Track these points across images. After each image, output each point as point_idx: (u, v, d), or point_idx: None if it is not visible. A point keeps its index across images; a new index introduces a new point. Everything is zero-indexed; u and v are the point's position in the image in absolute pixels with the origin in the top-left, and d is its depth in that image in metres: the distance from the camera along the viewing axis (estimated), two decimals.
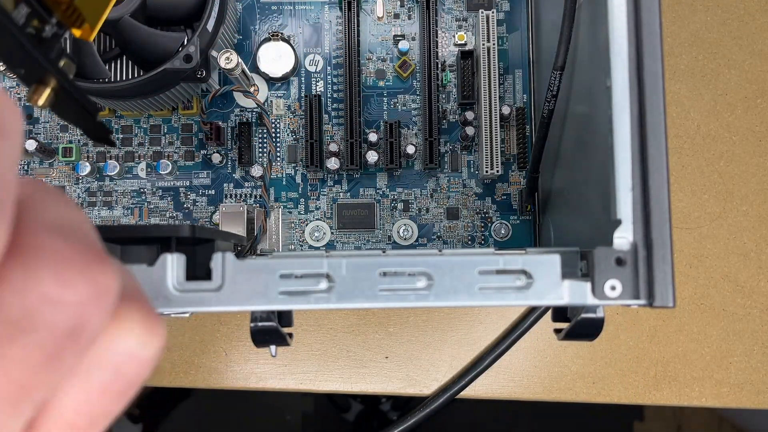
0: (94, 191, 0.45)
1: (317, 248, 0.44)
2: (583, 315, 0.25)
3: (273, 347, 0.47)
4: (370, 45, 0.45)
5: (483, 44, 0.42)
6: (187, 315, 0.45)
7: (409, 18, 0.46)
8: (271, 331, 0.26)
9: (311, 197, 0.45)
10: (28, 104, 0.46)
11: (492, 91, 0.42)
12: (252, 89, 0.44)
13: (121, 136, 0.45)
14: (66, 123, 0.45)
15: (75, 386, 0.16)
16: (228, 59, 0.39)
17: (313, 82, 0.45)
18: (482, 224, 0.44)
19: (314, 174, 0.45)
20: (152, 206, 0.45)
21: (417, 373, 0.48)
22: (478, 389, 0.49)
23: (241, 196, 0.45)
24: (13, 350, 0.14)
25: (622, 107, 0.24)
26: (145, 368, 0.17)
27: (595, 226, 0.28)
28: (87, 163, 0.43)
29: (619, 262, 0.23)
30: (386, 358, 0.48)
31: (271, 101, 0.45)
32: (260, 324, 0.26)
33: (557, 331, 0.29)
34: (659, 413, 1.04)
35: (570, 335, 0.27)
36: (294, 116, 0.45)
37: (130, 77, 0.40)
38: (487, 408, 0.98)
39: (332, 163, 0.43)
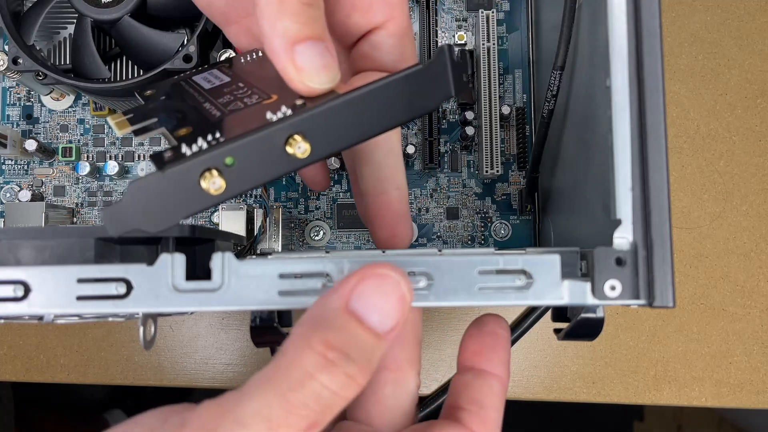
0: (94, 191, 0.45)
1: (317, 248, 0.44)
2: (583, 315, 0.25)
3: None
4: None
5: (483, 44, 0.42)
6: (187, 314, 0.45)
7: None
8: (271, 330, 0.26)
9: (311, 197, 0.45)
10: (27, 104, 0.46)
11: (492, 91, 0.42)
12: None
13: (121, 135, 0.45)
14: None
15: None
16: None
17: None
18: (482, 224, 0.44)
19: None
20: None
21: None
22: None
23: (241, 196, 0.45)
24: None
25: (622, 107, 0.24)
26: None
27: (595, 226, 0.28)
28: (87, 163, 0.43)
29: (619, 262, 0.23)
30: None
31: None
32: (260, 323, 0.26)
33: (557, 331, 0.29)
34: (659, 413, 1.04)
35: (570, 335, 0.27)
36: None
37: (130, 77, 0.40)
38: None
39: (332, 163, 0.43)
